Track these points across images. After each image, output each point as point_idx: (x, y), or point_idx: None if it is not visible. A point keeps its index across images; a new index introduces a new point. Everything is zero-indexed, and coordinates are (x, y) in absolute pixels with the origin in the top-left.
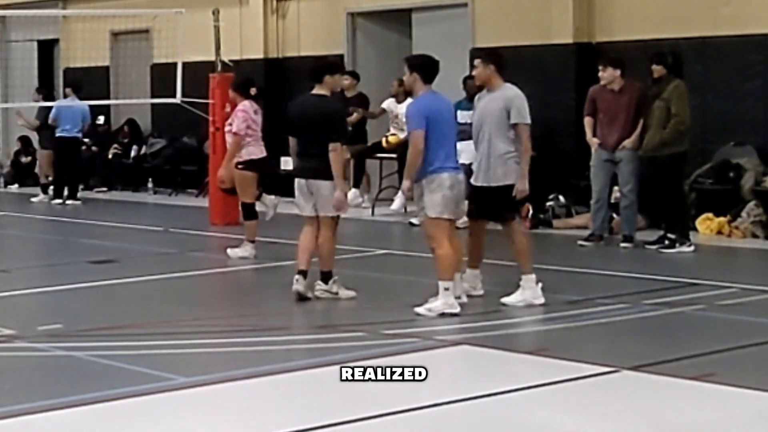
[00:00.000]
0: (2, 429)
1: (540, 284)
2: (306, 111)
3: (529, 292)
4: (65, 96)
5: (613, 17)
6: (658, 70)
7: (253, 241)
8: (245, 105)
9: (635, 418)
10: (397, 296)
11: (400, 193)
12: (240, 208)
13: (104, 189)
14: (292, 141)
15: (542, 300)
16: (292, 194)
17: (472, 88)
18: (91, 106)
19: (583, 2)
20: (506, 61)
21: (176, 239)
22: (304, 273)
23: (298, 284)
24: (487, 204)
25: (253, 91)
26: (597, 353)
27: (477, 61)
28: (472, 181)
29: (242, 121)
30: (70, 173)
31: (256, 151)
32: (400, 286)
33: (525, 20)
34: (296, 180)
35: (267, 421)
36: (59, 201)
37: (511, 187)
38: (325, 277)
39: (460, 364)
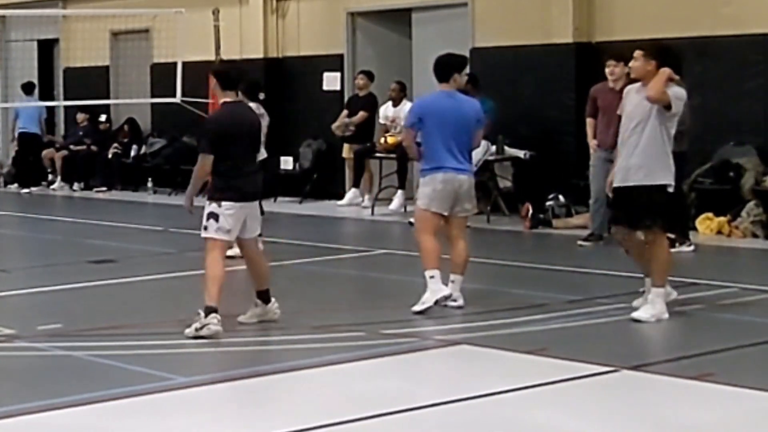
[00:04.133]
0: (2, 429)
1: (672, 296)
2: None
3: (659, 306)
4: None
5: (613, 17)
6: None
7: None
8: (251, 106)
9: (635, 418)
10: (397, 296)
11: (399, 192)
12: None
13: (104, 189)
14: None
15: (667, 315)
16: (291, 194)
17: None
18: (91, 106)
19: (583, 2)
20: (670, 54)
21: (176, 239)
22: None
23: (219, 324)
24: (627, 206)
25: (261, 95)
26: (597, 353)
27: (637, 53)
28: (615, 183)
29: None
30: (32, 165)
31: None
32: (400, 286)
33: (525, 20)
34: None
35: (267, 421)
36: (26, 191)
37: (656, 187)
38: (267, 297)
39: (460, 364)
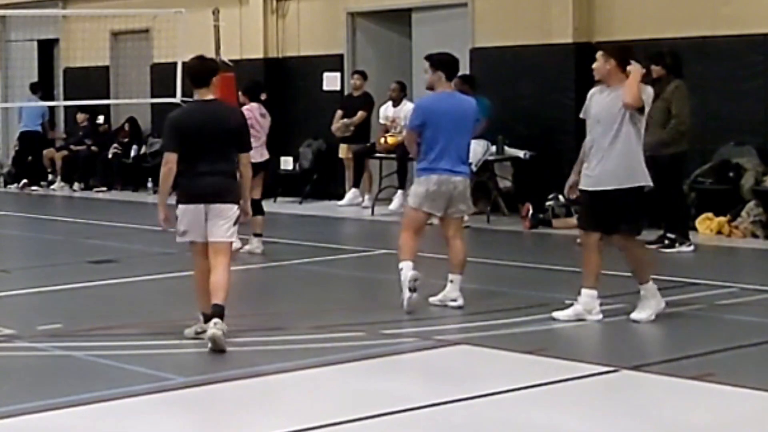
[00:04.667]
0: (2, 429)
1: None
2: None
3: (654, 302)
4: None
5: (613, 17)
6: (656, 70)
7: (259, 234)
8: (251, 106)
9: (635, 418)
10: (396, 296)
11: (399, 192)
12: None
13: (104, 189)
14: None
15: (663, 305)
16: (291, 194)
17: (458, 86)
18: (91, 106)
19: (583, 2)
20: (628, 54)
21: (176, 239)
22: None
23: (216, 327)
24: (602, 210)
25: (263, 96)
26: (597, 353)
27: (598, 54)
28: (586, 186)
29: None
30: (31, 164)
31: (255, 155)
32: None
33: (525, 20)
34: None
35: (266, 421)
36: (22, 183)
37: (635, 189)
38: (221, 313)
39: (460, 364)
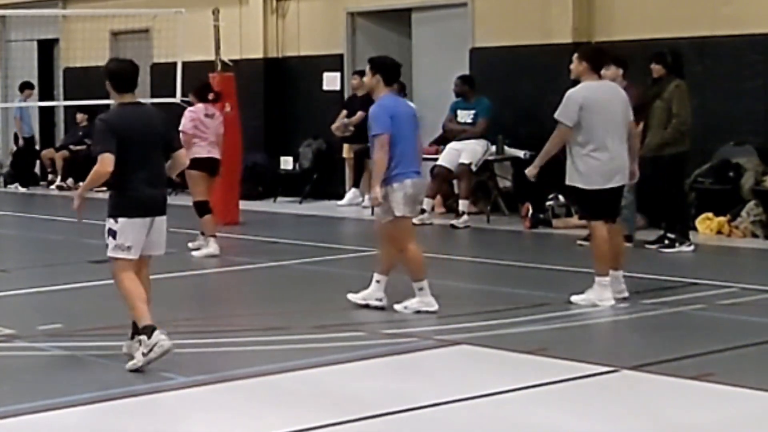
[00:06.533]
0: (2, 429)
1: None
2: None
3: (594, 293)
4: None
5: (613, 17)
6: (657, 69)
7: (214, 236)
8: (197, 107)
9: (635, 418)
10: (396, 296)
11: None
12: (237, 207)
13: (104, 189)
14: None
15: (610, 303)
16: (291, 194)
17: (458, 87)
18: (91, 106)
19: (583, 2)
20: (600, 56)
21: (176, 239)
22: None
23: (168, 338)
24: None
25: (210, 96)
26: (597, 353)
27: (574, 56)
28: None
29: (189, 120)
30: (22, 163)
31: (201, 150)
32: (400, 286)
33: (525, 20)
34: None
35: (267, 421)
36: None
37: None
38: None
39: (460, 364)
